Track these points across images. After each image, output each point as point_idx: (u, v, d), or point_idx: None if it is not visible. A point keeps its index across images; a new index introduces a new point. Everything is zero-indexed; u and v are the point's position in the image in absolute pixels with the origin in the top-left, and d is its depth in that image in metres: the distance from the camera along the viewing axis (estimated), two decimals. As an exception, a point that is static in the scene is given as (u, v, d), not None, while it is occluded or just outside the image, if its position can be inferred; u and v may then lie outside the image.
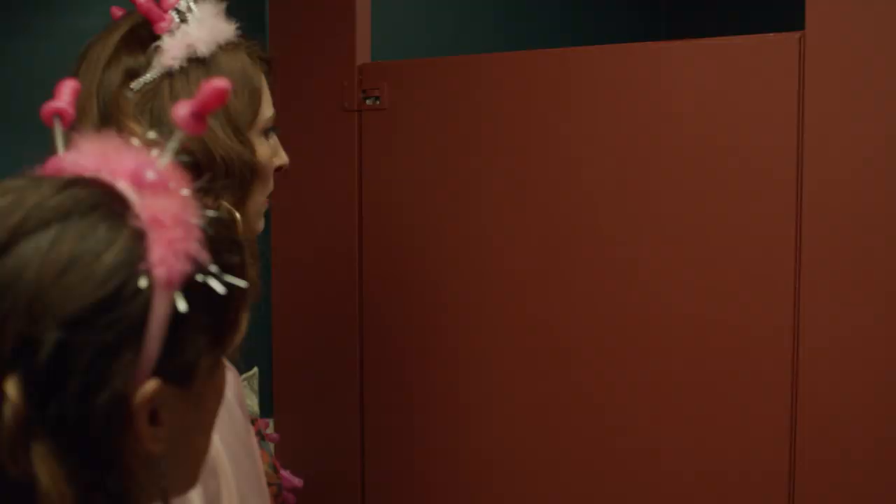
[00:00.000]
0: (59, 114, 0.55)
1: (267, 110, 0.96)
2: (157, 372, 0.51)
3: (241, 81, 0.93)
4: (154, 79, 0.91)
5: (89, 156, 0.52)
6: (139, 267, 0.50)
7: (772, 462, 1.10)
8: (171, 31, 0.92)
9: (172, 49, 0.92)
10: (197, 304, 0.51)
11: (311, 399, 1.55)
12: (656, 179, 1.17)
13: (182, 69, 0.91)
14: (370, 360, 1.46)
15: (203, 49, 0.92)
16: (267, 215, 1.59)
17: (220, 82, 0.52)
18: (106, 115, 0.90)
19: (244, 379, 0.98)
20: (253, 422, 0.93)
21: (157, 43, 0.92)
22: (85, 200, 0.50)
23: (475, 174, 1.32)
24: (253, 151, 0.93)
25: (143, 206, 0.51)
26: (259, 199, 0.96)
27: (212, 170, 0.88)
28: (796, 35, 1.06)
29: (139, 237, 0.50)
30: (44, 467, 0.48)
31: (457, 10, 1.96)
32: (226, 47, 0.94)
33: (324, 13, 1.45)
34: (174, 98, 0.90)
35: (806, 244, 1.06)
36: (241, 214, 0.92)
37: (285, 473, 0.99)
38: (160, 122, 0.89)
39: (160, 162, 0.52)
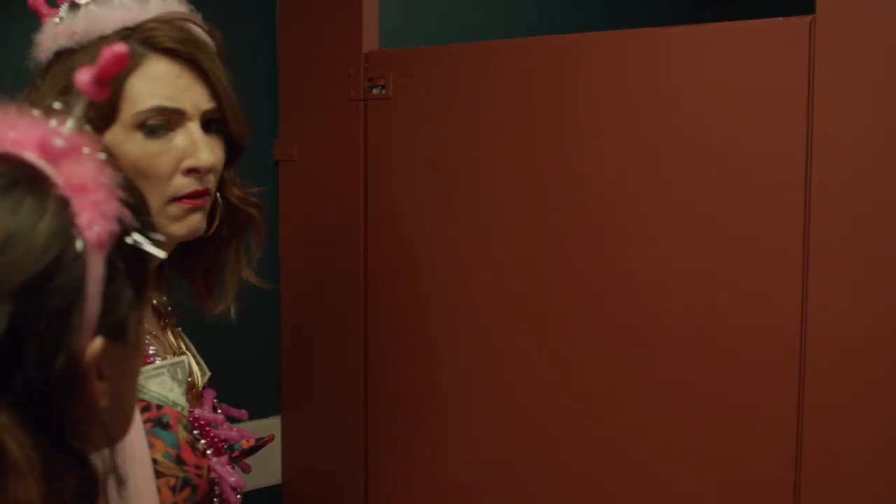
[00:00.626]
0: None
1: (136, 104, 0.91)
2: (99, 330, 0.54)
3: None
4: (33, 71, 0.93)
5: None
6: (72, 232, 0.53)
7: (777, 465, 1.08)
8: (49, 24, 0.93)
9: (43, 42, 0.93)
10: (123, 260, 0.55)
11: (316, 395, 1.56)
12: (664, 166, 1.15)
13: (48, 63, 0.92)
14: (374, 349, 1.46)
15: (65, 42, 0.91)
16: (273, 207, 1.62)
17: (118, 46, 0.54)
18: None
19: (170, 365, 0.98)
20: (159, 407, 0.94)
21: (35, 36, 0.93)
22: (4, 176, 0.53)
23: (480, 162, 1.32)
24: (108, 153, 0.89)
25: (60, 173, 0.53)
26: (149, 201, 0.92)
27: None
28: (807, 19, 1.04)
29: (65, 204, 0.53)
30: (11, 437, 0.50)
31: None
32: (99, 41, 0.91)
33: (332, 1, 1.46)
34: (38, 90, 0.91)
35: (815, 231, 1.04)
36: None
37: (221, 469, 0.97)
38: None
39: (65, 128, 0.55)
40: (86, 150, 0.55)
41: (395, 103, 1.39)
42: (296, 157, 1.55)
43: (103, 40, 0.90)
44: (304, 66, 1.54)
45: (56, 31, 0.92)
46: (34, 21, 0.98)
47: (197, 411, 1.01)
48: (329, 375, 1.53)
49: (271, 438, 1.08)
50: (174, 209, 0.95)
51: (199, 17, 0.99)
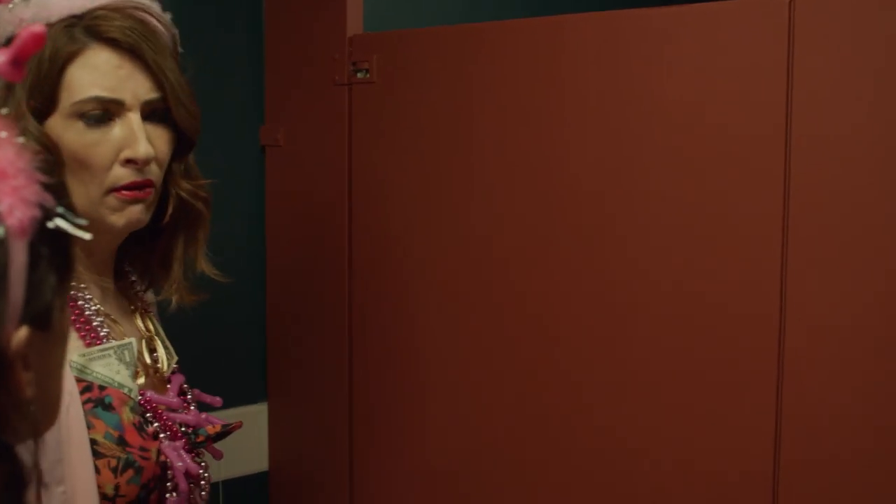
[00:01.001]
0: None
1: (75, 93, 0.91)
2: (23, 318, 0.53)
3: (34, 65, 0.90)
4: None
5: None
6: None
7: (755, 458, 1.08)
8: (2, 11, 0.91)
9: None
10: (45, 246, 0.54)
11: (302, 381, 1.56)
12: (645, 147, 1.15)
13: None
14: (359, 334, 1.47)
15: (9, 29, 0.90)
16: (259, 192, 1.63)
17: (36, 27, 0.53)
18: None
19: (117, 347, 0.98)
20: (101, 388, 0.94)
21: None
22: None
23: (465, 146, 1.31)
24: (41, 139, 0.89)
25: None
26: (82, 191, 0.92)
27: None
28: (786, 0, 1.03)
29: None
30: None
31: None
32: (55, 25, 0.91)
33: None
34: None
35: (794, 213, 1.04)
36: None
37: (171, 453, 0.96)
38: None
39: None
40: (3, 134, 0.53)
41: (379, 87, 1.39)
42: (282, 143, 1.55)
43: (48, 28, 0.89)
44: (290, 51, 1.54)
45: (5, 19, 0.91)
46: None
47: (149, 394, 1.00)
48: (315, 361, 1.53)
49: (239, 425, 1.07)
50: (112, 200, 0.95)
51: (154, 6, 0.98)
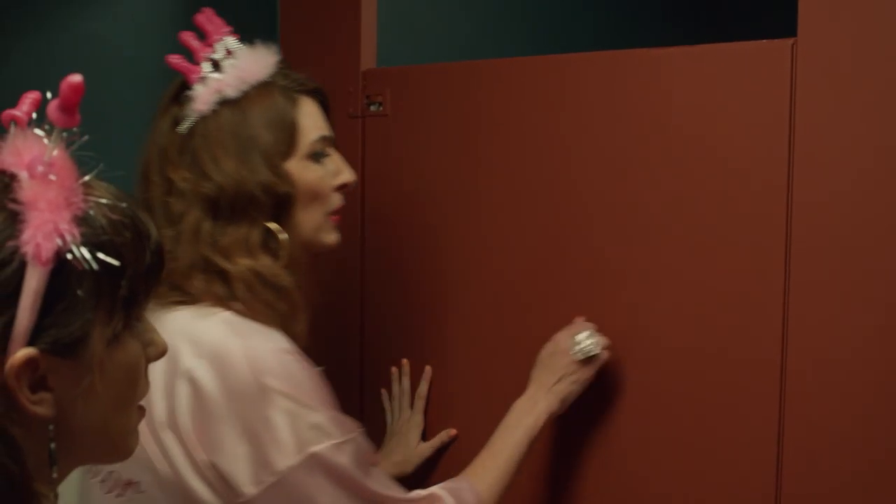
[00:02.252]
0: (15, 120, 0.63)
1: (308, 136, 1.09)
2: (35, 341, 0.58)
3: (270, 116, 1.07)
4: (192, 123, 1.06)
5: (9, 151, 0.60)
6: (9, 244, 0.57)
7: (758, 477, 1.10)
8: (202, 80, 1.07)
9: (202, 96, 1.07)
10: (79, 280, 0.58)
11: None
12: (648, 185, 1.18)
13: (214, 112, 1.06)
14: (369, 366, 1.49)
15: (230, 92, 1.07)
16: None
17: (73, 77, 0.59)
18: (161, 156, 1.07)
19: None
20: None
21: (188, 92, 1.08)
22: None
23: (476, 178, 1.35)
24: (286, 178, 1.06)
25: (25, 192, 0.58)
26: (310, 218, 1.10)
27: (245, 197, 1.03)
28: (789, 42, 1.07)
29: (14, 218, 0.58)
30: None
31: (470, 14, 1.99)
32: (258, 87, 1.08)
33: (332, 19, 1.50)
34: (204, 138, 1.06)
35: (795, 252, 1.06)
36: (293, 233, 1.06)
37: None
38: (195, 159, 1.05)
39: (48, 154, 0.59)
40: (56, 174, 0.59)
41: (392, 120, 1.43)
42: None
43: (262, 85, 1.08)
44: None
45: (213, 87, 1.07)
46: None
47: None
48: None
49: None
50: (330, 223, 1.13)
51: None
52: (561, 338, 1.20)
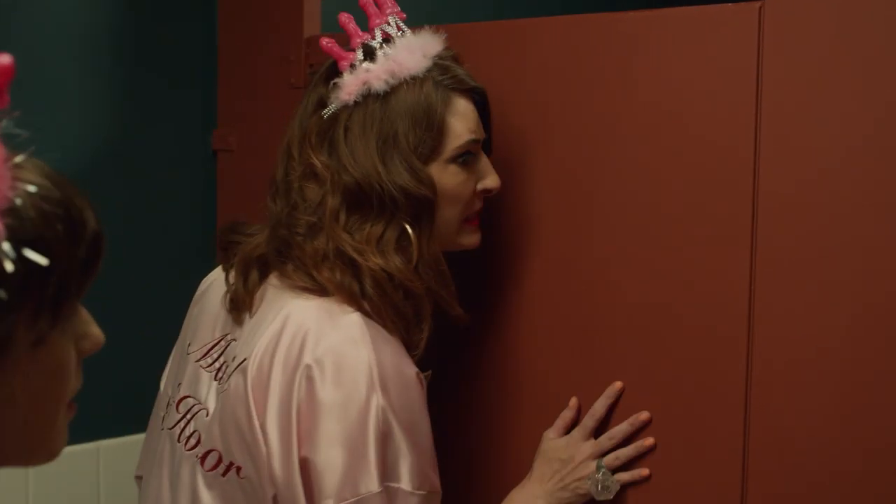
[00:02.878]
0: None
1: (455, 139, 1.07)
2: None
3: (417, 115, 1.04)
4: (335, 110, 1.04)
5: None
6: None
7: (725, 467, 1.08)
8: (351, 68, 1.05)
9: (349, 85, 1.04)
10: (2, 279, 0.53)
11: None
12: (611, 151, 1.15)
13: (357, 103, 1.04)
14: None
15: (378, 86, 1.04)
16: (211, 200, 1.60)
17: (4, 58, 0.54)
18: (302, 136, 1.06)
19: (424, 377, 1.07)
20: None
21: (336, 80, 1.06)
22: None
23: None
24: (427, 182, 1.04)
25: None
26: (449, 221, 1.09)
27: (382, 196, 1.02)
28: (756, 5, 1.04)
29: None
30: None
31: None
32: (410, 81, 1.05)
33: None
34: (346, 130, 1.04)
35: (762, 217, 1.04)
36: (427, 235, 1.04)
37: None
38: (334, 149, 1.04)
39: None
40: None
41: (338, 91, 1.37)
42: (234, 147, 1.54)
43: (413, 80, 1.05)
44: (244, 51, 1.52)
45: (361, 78, 1.04)
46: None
47: None
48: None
49: None
50: (468, 226, 1.12)
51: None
52: (581, 447, 1.13)
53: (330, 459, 0.95)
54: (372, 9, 1.08)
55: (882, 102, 0.97)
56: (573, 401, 1.17)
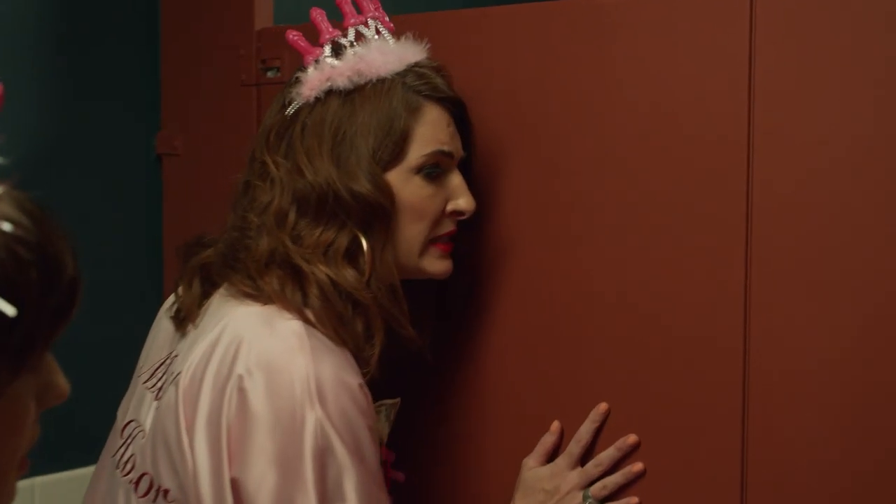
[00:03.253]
0: None
1: (421, 148, 1.03)
2: None
3: (379, 117, 1.02)
4: (296, 108, 1.02)
5: None
6: None
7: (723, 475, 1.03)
8: (315, 63, 1.03)
9: (311, 81, 1.02)
10: None
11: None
12: (592, 150, 1.11)
13: (318, 100, 1.02)
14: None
15: (341, 83, 1.01)
16: (157, 210, 1.53)
17: None
18: (263, 136, 1.04)
19: (381, 405, 1.07)
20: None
21: (298, 74, 1.04)
22: None
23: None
24: (384, 189, 1.01)
25: None
26: (410, 239, 1.05)
27: (335, 201, 0.99)
28: (747, -8, 1.03)
29: None
30: None
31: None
32: (378, 83, 1.02)
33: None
34: (304, 128, 1.02)
35: (756, 218, 1.01)
36: (381, 247, 1.01)
37: None
38: (290, 148, 1.02)
39: None
40: None
41: (291, 87, 1.33)
42: (180, 151, 1.53)
43: (381, 82, 1.02)
44: (189, 46, 1.49)
45: (325, 73, 1.02)
46: None
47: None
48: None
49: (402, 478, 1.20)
50: (434, 250, 1.07)
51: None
52: (567, 477, 1.09)
53: (262, 480, 0.91)
54: (349, 7, 1.07)
55: (881, 89, 0.95)
56: (555, 425, 1.13)
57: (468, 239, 1.14)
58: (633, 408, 1.08)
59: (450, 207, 1.06)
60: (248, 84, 1.37)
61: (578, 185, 1.12)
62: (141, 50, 1.56)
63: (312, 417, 0.91)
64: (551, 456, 1.12)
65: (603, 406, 1.09)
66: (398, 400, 1.07)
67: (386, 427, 1.07)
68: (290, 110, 1.02)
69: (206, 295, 1.04)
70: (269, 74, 1.36)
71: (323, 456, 0.91)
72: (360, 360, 0.99)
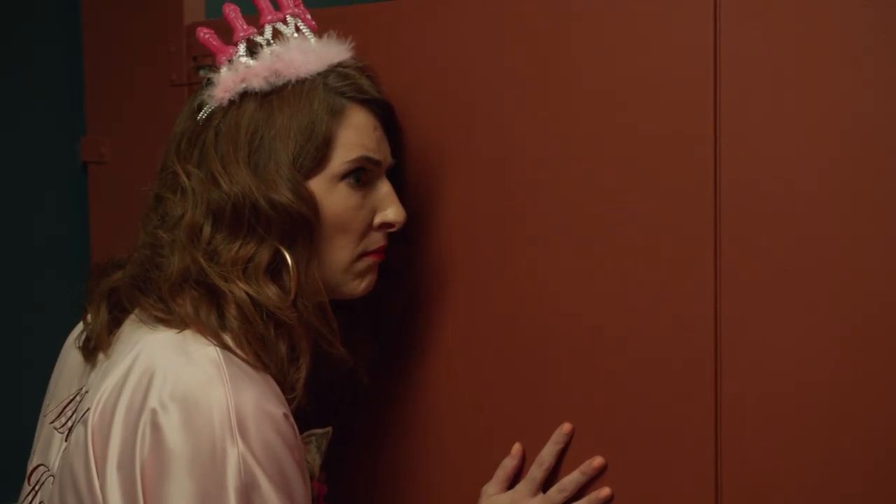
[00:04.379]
0: None
1: (345, 153, 1.01)
2: None
3: (300, 121, 0.98)
4: (209, 112, 0.99)
5: None
6: None
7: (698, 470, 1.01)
8: (229, 63, 1.00)
9: (225, 82, 0.99)
10: None
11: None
12: (546, 150, 1.08)
13: (233, 103, 0.99)
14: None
15: (256, 84, 0.98)
16: (83, 222, 1.50)
17: None
18: (174, 143, 1.01)
19: (311, 435, 1.07)
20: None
21: (210, 76, 1.01)
22: None
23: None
24: (306, 199, 0.97)
25: None
26: (336, 253, 1.02)
27: (253, 212, 0.95)
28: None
29: None
30: None
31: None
32: (298, 84, 0.99)
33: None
34: (217, 134, 0.98)
35: (725, 206, 0.99)
36: (306, 262, 0.98)
37: None
38: (204, 157, 0.98)
39: None
40: None
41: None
42: (108, 158, 1.52)
43: (301, 84, 0.99)
44: (114, 43, 1.48)
45: (239, 74, 0.99)
46: None
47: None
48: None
49: None
50: (361, 265, 1.04)
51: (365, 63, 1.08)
52: None
53: None
54: (265, 4, 1.03)
55: (856, 78, 0.93)
56: (516, 448, 1.10)
57: (402, 252, 1.11)
58: (599, 428, 1.06)
59: (377, 219, 1.04)
60: (180, 83, 1.36)
61: (530, 188, 1.09)
62: (61, 48, 1.54)
63: (234, 452, 0.88)
64: (512, 481, 1.10)
65: (566, 426, 1.07)
66: (329, 429, 1.05)
67: (317, 458, 1.05)
68: (202, 115, 0.99)
69: (116, 321, 1.00)
70: (202, 73, 1.32)
71: (248, 493, 0.88)
72: (285, 385, 0.97)
